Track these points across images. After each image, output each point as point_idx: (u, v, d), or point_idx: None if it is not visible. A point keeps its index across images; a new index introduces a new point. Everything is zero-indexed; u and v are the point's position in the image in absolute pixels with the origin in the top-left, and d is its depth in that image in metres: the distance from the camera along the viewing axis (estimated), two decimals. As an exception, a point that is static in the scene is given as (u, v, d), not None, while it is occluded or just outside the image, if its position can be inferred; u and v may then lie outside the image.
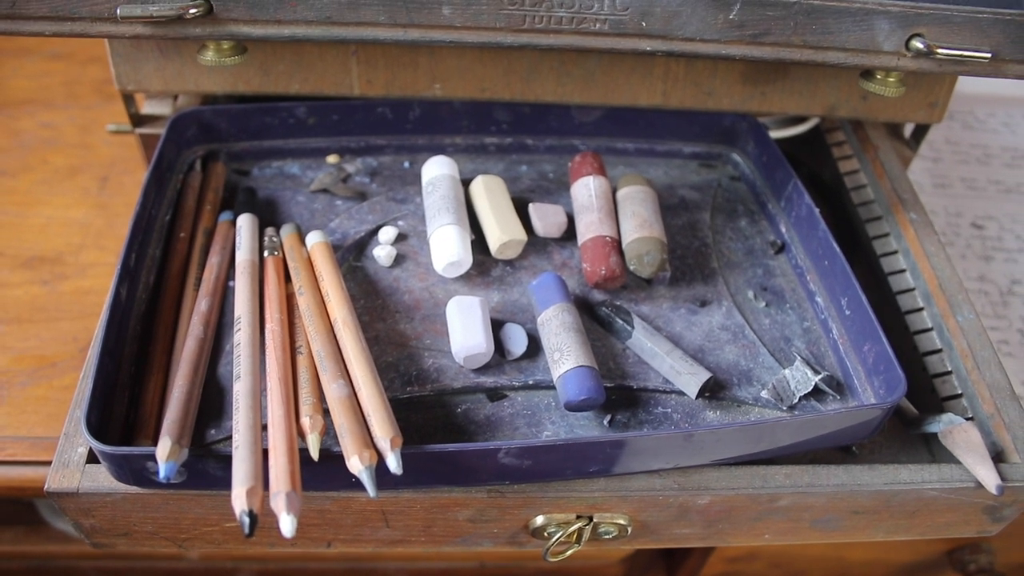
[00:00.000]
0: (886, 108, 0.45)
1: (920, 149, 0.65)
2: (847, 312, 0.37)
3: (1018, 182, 0.63)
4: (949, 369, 0.39)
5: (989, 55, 0.37)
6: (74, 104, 0.62)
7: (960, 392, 0.38)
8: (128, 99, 0.46)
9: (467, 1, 0.34)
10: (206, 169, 0.43)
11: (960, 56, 0.37)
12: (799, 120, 0.51)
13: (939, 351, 0.40)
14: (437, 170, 0.39)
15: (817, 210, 0.40)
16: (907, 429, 0.37)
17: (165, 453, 0.26)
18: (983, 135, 0.66)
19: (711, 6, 0.35)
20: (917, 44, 0.37)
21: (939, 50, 0.37)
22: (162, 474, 0.26)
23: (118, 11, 0.34)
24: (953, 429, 0.35)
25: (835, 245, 0.38)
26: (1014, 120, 0.68)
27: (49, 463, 0.41)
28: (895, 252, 0.44)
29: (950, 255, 0.56)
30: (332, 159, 0.43)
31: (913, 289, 0.42)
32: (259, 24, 0.35)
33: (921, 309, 0.42)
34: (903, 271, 0.43)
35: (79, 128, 0.60)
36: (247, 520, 0.25)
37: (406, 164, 0.43)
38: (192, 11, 0.34)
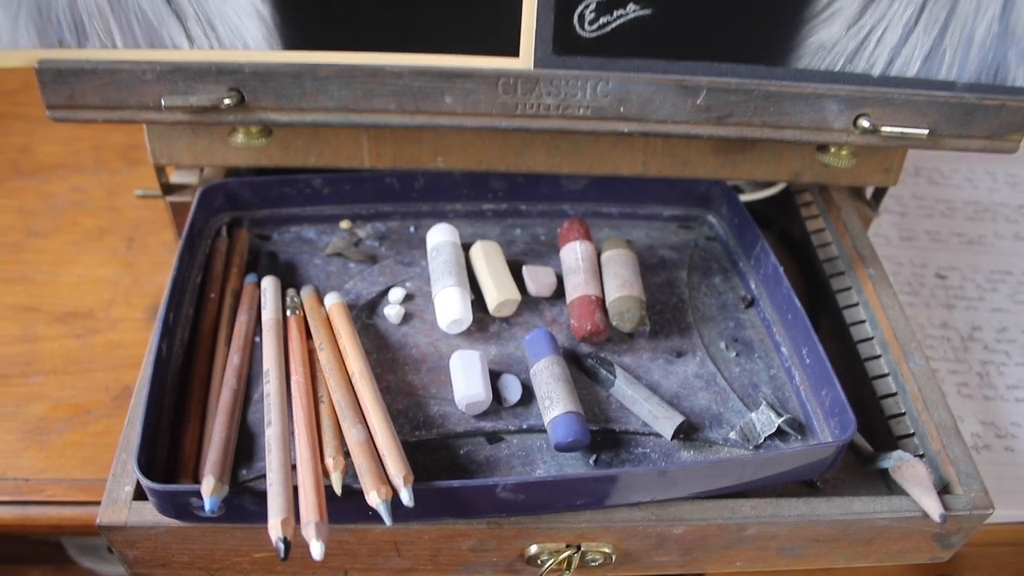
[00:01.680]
0: (845, 174, 0.50)
1: (888, 204, 0.71)
2: (807, 361, 0.42)
3: (979, 234, 0.68)
4: (903, 411, 0.44)
5: (926, 132, 0.43)
6: (102, 168, 0.67)
7: (912, 431, 0.43)
8: (159, 169, 0.51)
9: (466, 91, 0.39)
10: (232, 235, 0.48)
11: (901, 133, 0.43)
12: (770, 184, 0.56)
13: (894, 394, 0.45)
14: (440, 237, 0.44)
15: (781, 268, 0.45)
16: (864, 466, 0.42)
17: (210, 489, 0.31)
18: (947, 190, 0.72)
19: (680, 93, 0.41)
20: (863, 123, 0.42)
21: (882, 128, 0.43)
22: (207, 508, 0.31)
23: (163, 101, 0.40)
24: (902, 465, 0.40)
25: (796, 301, 0.43)
26: (976, 175, 0.73)
27: (86, 503, 0.46)
28: (856, 304, 0.49)
29: (914, 303, 0.61)
30: (345, 225, 0.48)
31: (872, 338, 0.47)
32: (284, 112, 0.40)
33: (879, 356, 0.46)
34: (863, 322, 0.48)
35: (107, 191, 0.65)
36: (282, 546, 0.29)
37: (412, 229, 0.48)
38: (226, 101, 0.40)
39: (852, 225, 0.53)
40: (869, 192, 0.56)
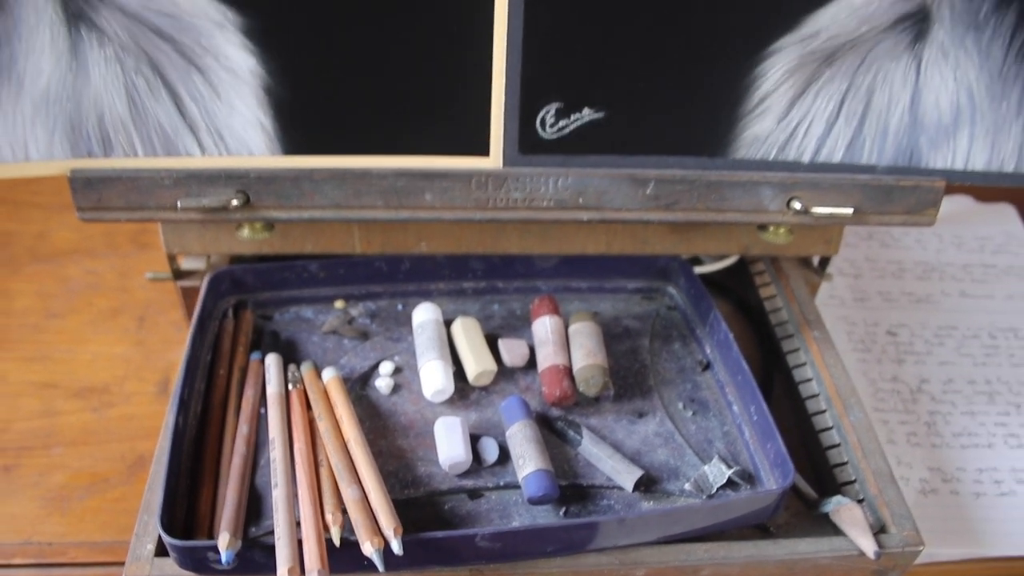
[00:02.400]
0: (788, 247, 0.56)
1: (843, 267, 0.77)
2: (755, 418, 0.47)
3: (927, 292, 0.74)
4: (845, 460, 0.49)
5: (851, 211, 0.49)
6: (113, 253, 0.73)
7: (853, 478, 0.48)
8: (171, 257, 0.57)
9: (444, 188, 0.45)
10: (237, 316, 0.53)
11: (829, 213, 0.49)
12: (724, 256, 0.62)
13: (837, 445, 0.50)
14: (424, 315, 0.50)
15: (731, 335, 0.51)
16: (809, 511, 0.47)
17: (225, 543, 0.36)
18: (898, 252, 0.78)
19: (631, 184, 0.47)
20: (795, 205, 0.49)
21: (812, 209, 0.49)
22: (224, 560, 0.36)
23: (179, 203, 0.46)
24: (840, 508, 0.45)
25: (744, 364, 0.49)
26: (924, 237, 0.80)
27: (107, 564, 0.50)
28: (804, 364, 0.55)
29: (867, 359, 0.67)
30: (339, 305, 0.54)
31: (818, 395, 0.53)
32: (285, 209, 0.46)
33: (824, 411, 0.52)
34: (810, 380, 0.54)
35: (118, 274, 0.71)
36: (289, 593, 0.34)
37: (400, 307, 0.54)
38: (234, 202, 0.46)
39: (799, 292, 0.58)
40: (816, 259, 0.62)
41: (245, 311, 0.54)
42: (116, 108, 0.45)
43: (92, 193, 0.46)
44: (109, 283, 0.70)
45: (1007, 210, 0.84)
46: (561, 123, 0.46)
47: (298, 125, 0.45)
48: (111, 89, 0.45)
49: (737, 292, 0.63)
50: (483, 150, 0.46)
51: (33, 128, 0.45)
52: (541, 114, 0.45)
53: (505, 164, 0.46)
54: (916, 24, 0.47)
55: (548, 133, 0.46)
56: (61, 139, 0.46)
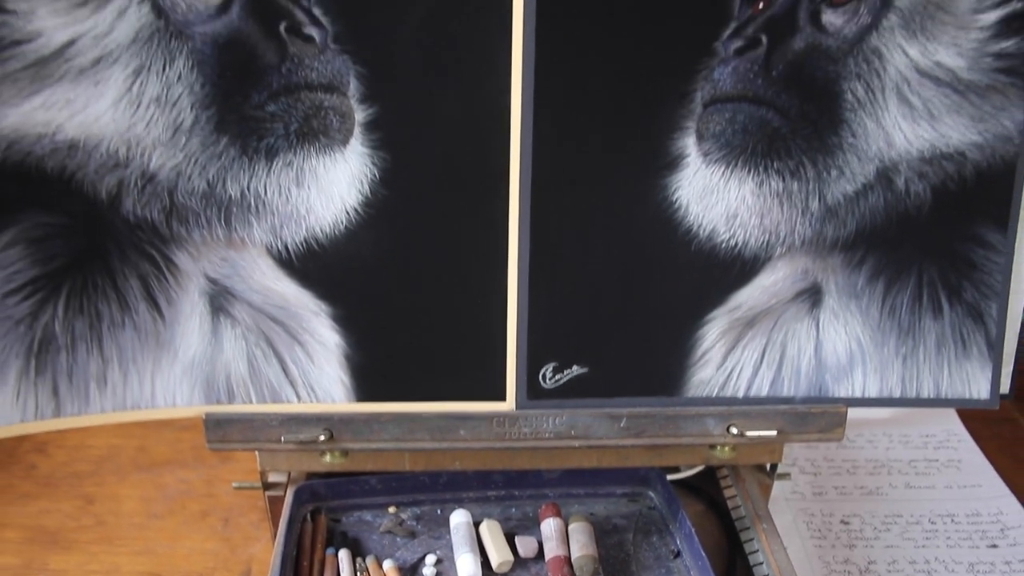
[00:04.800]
0: (737, 458, 0.74)
1: (805, 466, 0.93)
2: (711, 596, 0.64)
3: (877, 485, 0.90)
4: (788, 631, 0.65)
5: (775, 432, 0.67)
6: (201, 464, 0.92)
7: (793, 645, 0.64)
8: (262, 472, 0.75)
9: (473, 426, 0.65)
10: (314, 519, 0.71)
11: (759, 435, 0.67)
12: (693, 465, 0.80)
13: (782, 619, 0.66)
14: (458, 519, 0.68)
15: (694, 530, 0.68)
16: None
17: None
18: (852, 451, 0.95)
19: (609, 420, 0.66)
20: (733, 430, 0.67)
21: (747, 432, 0.67)
22: None
23: (282, 438, 0.65)
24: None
25: (703, 553, 0.66)
26: (876, 437, 0.97)
27: None
28: (757, 551, 0.71)
29: (822, 545, 0.83)
30: (392, 510, 0.72)
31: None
32: (358, 442, 0.66)
33: (772, 591, 0.68)
34: (761, 563, 0.70)
35: (205, 482, 0.89)
36: None
37: (439, 512, 0.72)
38: (321, 438, 0.65)
39: (753, 492, 0.76)
40: (768, 465, 0.80)
41: (320, 515, 0.72)
42: (239, 370, 0.66)
43: (219, 430, 0.66)
44: (198, 490, 0.89)
45: (948, 411, 1.02)
46: (557, 377, 0.65)
47: (368, 381, 0.65)
48: (237, 357, 0.65)
49: (708, 492, 0.80)
50: (501, 397, 0.65)
51: (180, 384, 0.66)
52: (543, 371, 0.65)
53: (517, 407, 0.65)
54: (812, 296, 0.68)
55: (548, 384, 0.65)
56: (199, 391, 0.66)
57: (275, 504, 0.76)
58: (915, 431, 0.99)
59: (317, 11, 0.59)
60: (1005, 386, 0.72)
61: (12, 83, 0.58)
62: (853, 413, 0.99)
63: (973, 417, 1.01)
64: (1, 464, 0.90)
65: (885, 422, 0.99)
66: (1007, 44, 0.63)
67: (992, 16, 0.63)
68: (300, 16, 0.59)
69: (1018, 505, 0.88)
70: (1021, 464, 0.96)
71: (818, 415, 0.68)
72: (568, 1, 0.59)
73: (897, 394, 0.70)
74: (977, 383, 0.70)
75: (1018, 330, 0.70)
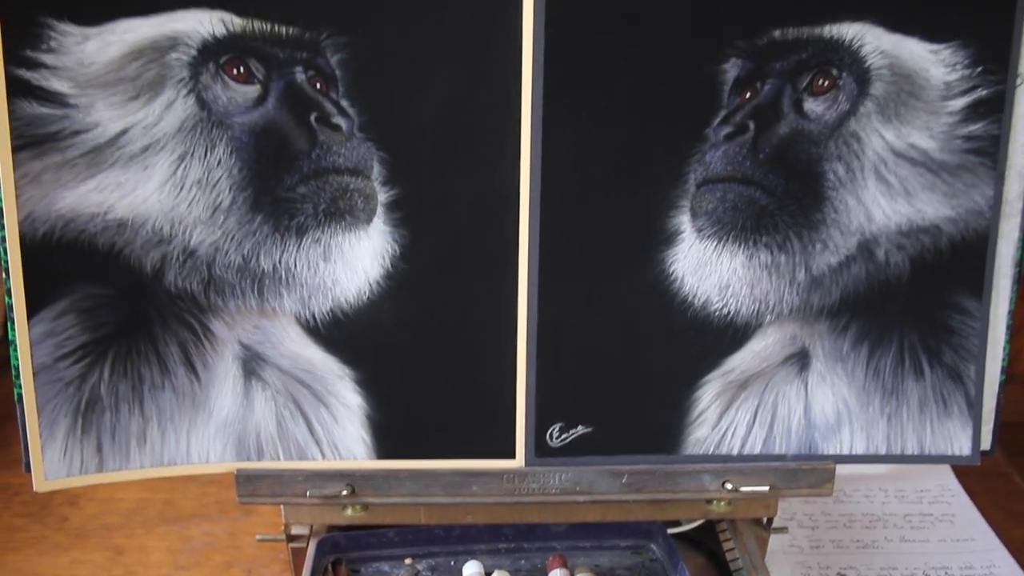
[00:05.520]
0: (737, 511, 0.79)
1: (803, 520, 0.98)
2: (708, 643, 0.69)
3: (873, 539, 0.95)
4: (781, 677, 0.69)
5: (768, 488, 0.72)
6: (224, 517, 0.97)
7: None
8: (286, 525, 0.81)
9: (485, 482, 0.70)
10: (335, 570, 0.76)
11: (752, 491, 0.72)
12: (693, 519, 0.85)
13: (776, 666, 0.70)
14: (471, 570, 0.73)
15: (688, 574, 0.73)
16: None
17: None
18: (849, 506, 1.00)
19: (612, 476, 0.71)
20: (728, 486, 0.72)
21: (741, 488, 0.72)
22: None
23: (307, 493, 0.71)
24: None
25: (700, 602, 0.70)
26: (872, 492, 1.02)
27: None
28: (753, 602, 0.76)
29: (819, 598, 0.87)
30: (408, 561, 0.77)
31: (762, 626, 0.74)
32: (378, 497, 0.71)
33: (767, 639, 0.73)
34: (757, 615, 0.75)
35: (229, 534, 0.95)
36: None
37: (452, 563, 0.77)
38: (343, 492, 0.70)
39: (750, 545, 0.80)
40: (765, 519, 0.85)
41: (341, 566, 0.77)
42: (268, 429, 0.71)
43: (249, 485, 0.71)
44: (223, 542, 0.94)
45: (943, 466, 1.06)
46: (563, 436, 0.71)
47: (388, 440, 0.71)
48: (267, 417, 0.71)
49: (708, 546, 0.85)
50: (511, 455, 0.71)
51: (214, 442, 0.71)
52: (550, 430, 0.71)
53: (526, 465, 0.71)
54: (800, 360, 0.73)
55: (554, 443, 0.71)
56: (230, 449, 0.71)
57: (298, 556, 0.81)
58: (910, 486, 1.03)
59: (344, 103, 0.66)
60: (986, 443, 0.77)
61: (71, 168, 0.65)
62: (850, 469, 1.05)
63: (967, 472, 1.05)
64: (35, 516, 0.96)
65: (881, 477, 1.04)
66: (975, 127, 0.70)
67: (960, 102, 0.69)
68: (329, 108, 0.66)
69: (1011, 559, 0.92)
70: (1014, 518, 1.00)
71: (808, 472, 0.73)
72: (573, 95, 0.66)
73: (883, 451, 0.75)
74: (959, 441, 0.75)
75: (996, 390, 0.76)
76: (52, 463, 0.69)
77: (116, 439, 0.70)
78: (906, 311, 0.73)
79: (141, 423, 0.70)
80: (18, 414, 0.68)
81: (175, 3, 0.63)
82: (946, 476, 1.05)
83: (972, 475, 1.05)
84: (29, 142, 0.64)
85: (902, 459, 0.75)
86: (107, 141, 0.65)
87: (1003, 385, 0.75)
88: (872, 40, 0.68)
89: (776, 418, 0.74)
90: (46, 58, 0.63)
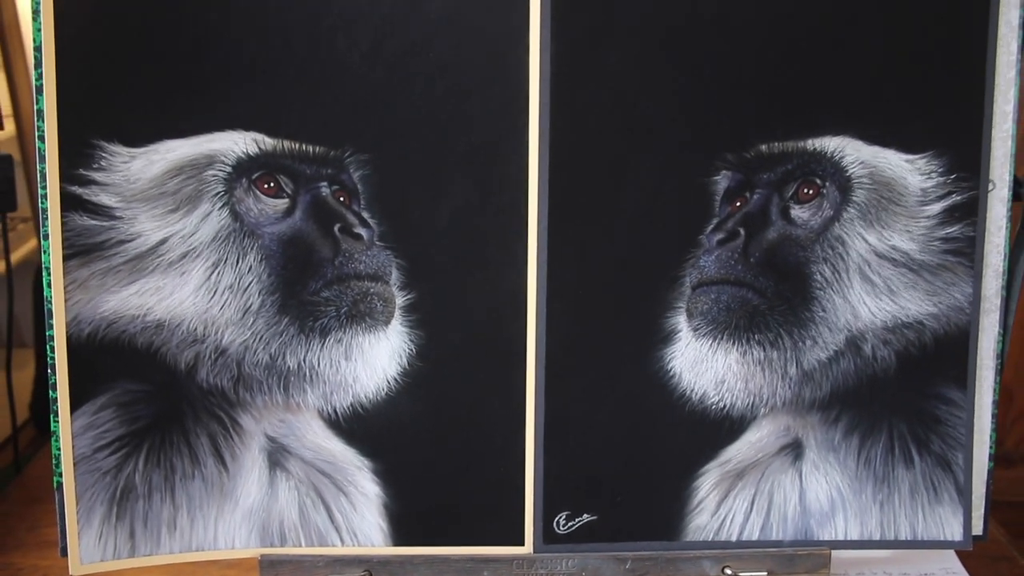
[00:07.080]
0: (738, 596, 0.83)
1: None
2: None
3: (876, 623, 0.98)
4: None
5: (765, 573, 0.77)
6: None
7: None
8: (305, 609, 0.86)
9: (495, 568, 0.75)
10: (353, 652, 0.81)
11: (751, 575, 0.77)
12: None
13: None
14: (483, 653, 0.78)
15: (695, 663, 0.77)
16: None
17: None
18: (852, 588, 1.03)
19: (616, 561, 0.76)
20: (727, 571, 0.77)
21: (740, 573, 0.77)
22: None
23: (327, 579, 0.76)
24: None
25: None
26: (875, 575, 1.05)
27: None
28: None
29: None
30: (423, 643, 0.82)
31: None
32: (394, 581, 0.76)
33: None
34: None
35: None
36: None
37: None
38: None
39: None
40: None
41: (358, 649, 0.81)
42: (291, 516, 0.77)
43: (272, 570, 0.77)
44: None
45: (946, 550, 1.10)
46: (569, 523, 0.76)
47: (404, 527, 0.77)
48: (290, 505, 0.77)
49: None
50: (520, 542, 0.76)
51: (239, 529, 0.77)
52: (557, 518, 0.76)
53: (535, 551, 0.76)
54: (794, 450, 0.79)
55: (562, 530, 0.76)
56: (255, 535, 0.77)
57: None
58: (914, 569, 1.07)
59: (366, 214, 0.73)
60: (978, 528, 0.82)
61: (115, 274, 0.72)
62: (852, 552, 1.09)
63: (971, 555, 1.09)
64: (62, 598, 1.01)
65: (884, 560, 1.07)
66: (952, 230, 0.76)
67: (937, 207, 0.76)
68: (351, 219, 0.73)
69: (1013, 642, 0.96)
70: (1017, 601, 1.03)
71: (804, 557, 0.78)
72: (575, 207, 0.73)
73: (877, 537, 0.80)
74: (951, 526, 0.80)
75: (985, 477, 0.81)
76: (88, 548, 0.75)
77: (148, 526, 0.76)
78: (894, 403, 0.78)
79: (172, 510, 0.76)
80: (56, 501, 0.74)
81: (213, 125, 0.72)
82: (950, 560, 1.08)
83: (976, 559, 1.08)
84: (79, 251, 0.71)
85: (896, 544, 0.80)
86: (148, 249, 0.73)
87: (991, 472, 0.80)
88: (852, 152, 0.75)
89: (772, 505, 0.79)
90: (97, 175, 0.71)
